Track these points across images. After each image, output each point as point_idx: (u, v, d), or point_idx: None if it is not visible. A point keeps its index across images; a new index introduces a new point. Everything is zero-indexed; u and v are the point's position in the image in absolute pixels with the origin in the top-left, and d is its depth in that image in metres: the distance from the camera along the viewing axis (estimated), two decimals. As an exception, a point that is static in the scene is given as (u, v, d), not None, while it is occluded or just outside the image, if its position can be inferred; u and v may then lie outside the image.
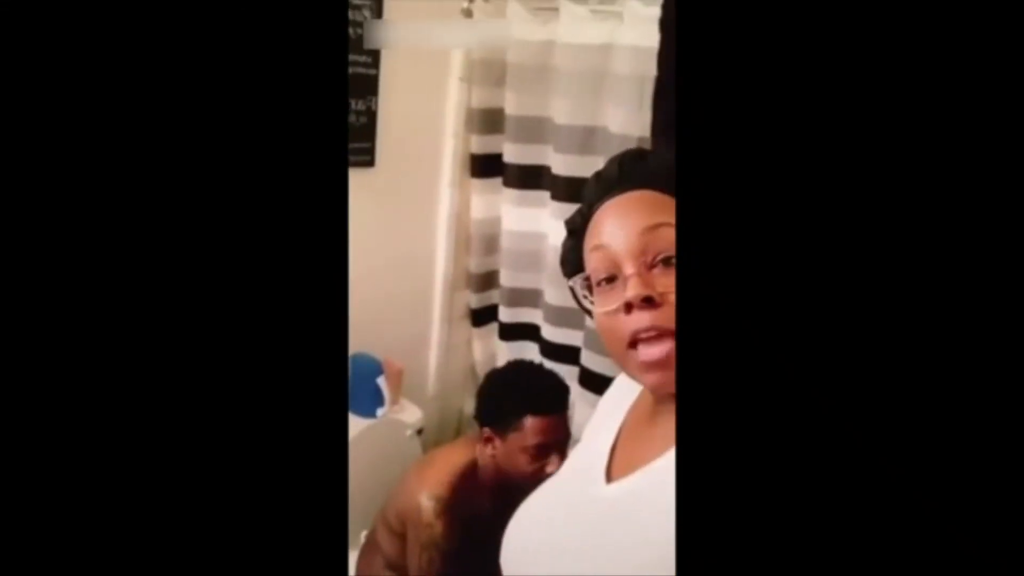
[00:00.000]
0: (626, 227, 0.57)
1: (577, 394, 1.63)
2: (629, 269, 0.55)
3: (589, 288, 0.60)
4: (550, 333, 1.69)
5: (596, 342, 1.55)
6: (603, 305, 0.57)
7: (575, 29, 1.51)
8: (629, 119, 1.43)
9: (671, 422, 0.59)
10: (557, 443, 1.19)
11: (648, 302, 0.53)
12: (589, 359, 1.57)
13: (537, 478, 1.13)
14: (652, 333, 0.54)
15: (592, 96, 1.52)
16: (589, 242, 0.61)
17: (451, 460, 1.23)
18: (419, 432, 1.65)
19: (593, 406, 0.84)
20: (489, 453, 1.22)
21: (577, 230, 0.64)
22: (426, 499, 1.15)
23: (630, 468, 0.60)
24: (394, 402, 1.61)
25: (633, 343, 0.55)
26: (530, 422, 1.18)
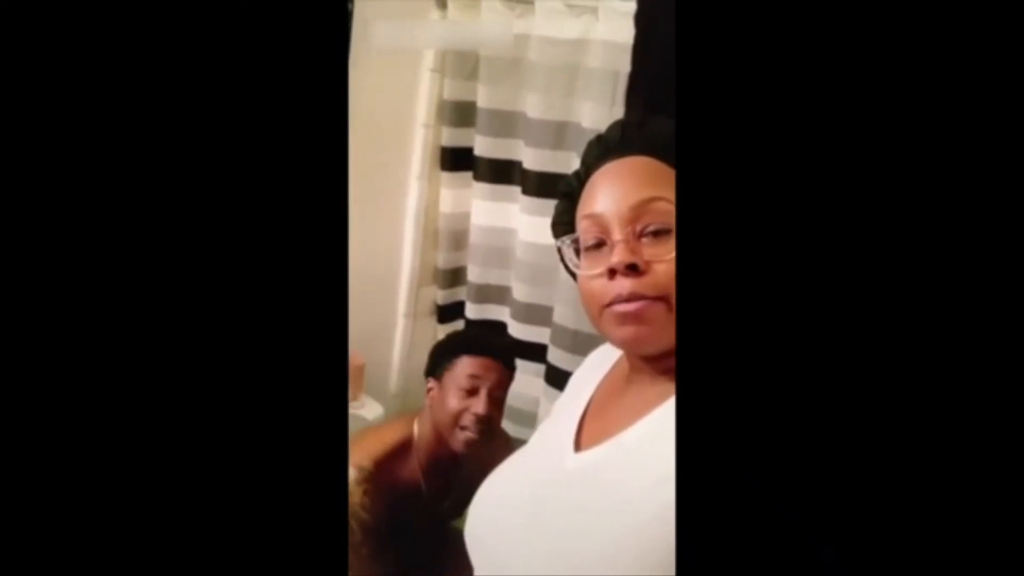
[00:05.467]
0: (619, 197, 0.57)
1: (542, 392, 1.61)
2: (617, 236, 0.56)
3: (576, 251, 0.61)
4: (517, 330, 1.67)
5: (563, 339, 1.53)
6: (588, 268, 0.59)
7: (550, 23, 1.50)
8: (601, 114, 1.42)
9: (643, 393, 0.59)
10: (491, 386, 1.16)
11: (632, 269, 0.54)
12: (556, 356, 1.56)
13: (459, 421, 1.13)
14: (629, 295, 0.55)
15: (565, 91, 1.50)
16: (583, 208, 0.61)
17: (383, 435, 1.21)
18: (380, 428, 1.61)
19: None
20: (425, 412, 1.21)
21: (572, 193, 0.64)
22: (349, 468, 1.11)
23: (600, 438, 0.59)
24: (354, 397, 1.57)
25: (611, 305, 0.56)
26: (464, 360, 1.17)
